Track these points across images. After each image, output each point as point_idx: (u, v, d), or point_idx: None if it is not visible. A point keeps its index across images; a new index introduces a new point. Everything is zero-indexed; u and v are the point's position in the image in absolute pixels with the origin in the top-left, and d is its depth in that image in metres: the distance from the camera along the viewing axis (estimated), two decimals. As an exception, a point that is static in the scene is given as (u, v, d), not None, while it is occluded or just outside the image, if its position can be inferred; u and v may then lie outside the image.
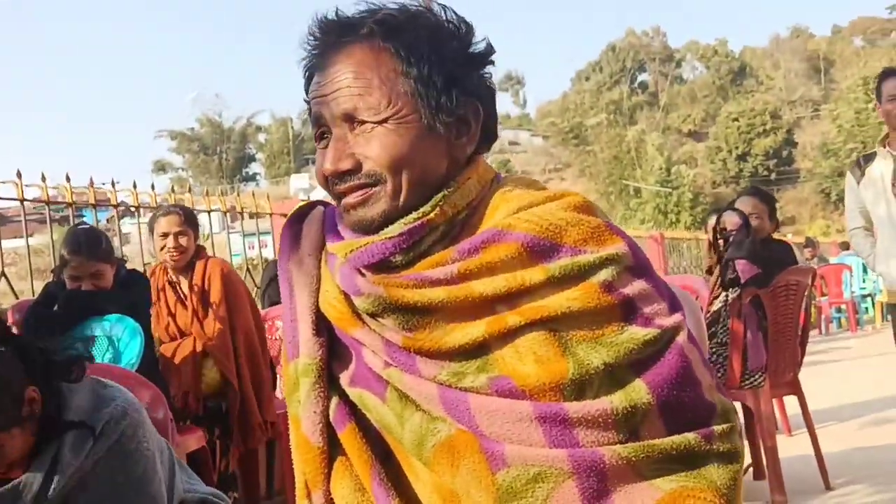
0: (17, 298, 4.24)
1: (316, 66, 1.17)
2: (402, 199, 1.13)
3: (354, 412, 1.17)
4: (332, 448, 1.18)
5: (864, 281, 14.81)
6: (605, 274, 1.08)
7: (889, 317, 4.79)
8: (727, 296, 4.40)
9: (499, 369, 1.07)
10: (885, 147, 4.26)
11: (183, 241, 3.97)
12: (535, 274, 1.08)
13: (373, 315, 1.14)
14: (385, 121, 1.12)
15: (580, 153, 56.61)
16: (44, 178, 4.25)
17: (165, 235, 3.96)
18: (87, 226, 4.09)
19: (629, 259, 1.11)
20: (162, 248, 3.98)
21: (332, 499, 1.18)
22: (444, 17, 1.16)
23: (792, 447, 5.14)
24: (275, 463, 4.48)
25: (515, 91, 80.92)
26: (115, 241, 4.54)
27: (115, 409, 1.96)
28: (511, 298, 1.08)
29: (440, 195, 1.13)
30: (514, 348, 1.07)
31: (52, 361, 1.97)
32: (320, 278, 1.22)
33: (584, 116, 60.92)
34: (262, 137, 69.31)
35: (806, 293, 4.68)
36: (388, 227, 1.13)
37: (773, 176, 50.66)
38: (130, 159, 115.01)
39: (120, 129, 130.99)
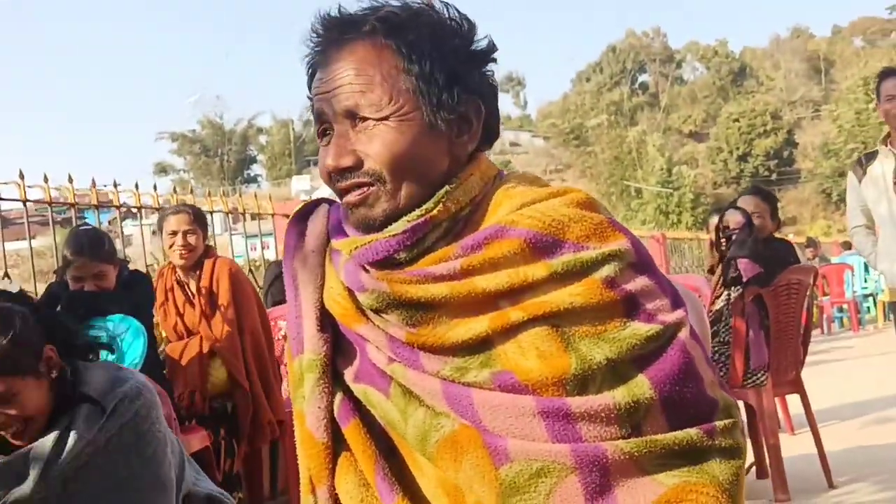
0: (20, 299, 4.26)
1: (318, 62, 1.17)
2: (402, 197, 1.13)
3: (359, 408, 1.18)
4: (337, 444, 1.18)
5: (865, 280, 14.81)
6: (607, 270, 1.08)
7: (891, 316, 4.80)
8: (729, 294, 4.40)
9: (501, 364, 1.08)
10: (886, 146, 4.26)
11: (192, 239, 3.98)
12: (537, 270, 1.08)
13: (377, 311, 1.15)
14: (387, 118, 1.12)
15: (581, 154, 56.63)
16: (46, 179, 4.25)
17: (174, 234, 3.98)
18: (90, 227, 4.10)
19: (632, 255, 1.11)
20: (171, 247, 4.00)
21: (336, 494, 1.19)
22: (447, 15, 1.16)
23: (795, 446, 5.13)
24: (278, 463, 4.49)
25: (516, 92, 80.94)
26: (118, 243, 4.54)
27: (131, 389, 2.00)
28: (514, 294, 1.09)
29: (443, 191, 1.14)
30: (516, 344, 1.07)
31: (73, 337, 2.05)
32: (325, 275, 1.22)
33: (584, 117, 60.92)
34: (263, 139, 69.38)
35: (808, 292, 4.68)
36: (390, 224, 1.14)
37: (773, 176, 50.64)
38: (131, 161, 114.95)
39: (120, 131, 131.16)
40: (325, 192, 1.28)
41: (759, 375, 4.38)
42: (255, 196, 6.48)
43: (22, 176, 4.10)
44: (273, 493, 4.48)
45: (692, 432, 1.06)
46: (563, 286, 1.08)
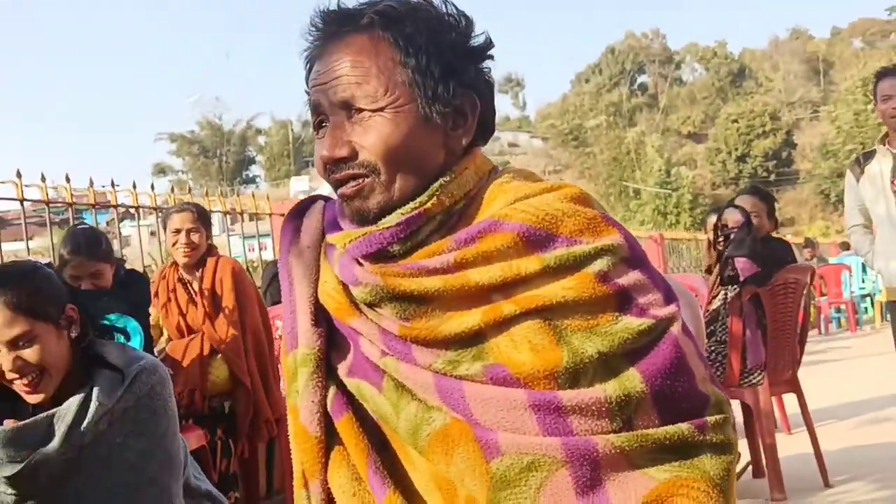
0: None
1: (316, 55, 1.18)
2: (396, 189, 1.14)
3: (352, 402, 1.18)
4: (330, 438, 1.19)
5: (863, 281, 14.83)
6: (600, 264, 1.09)
7: (888, 316, 4.80)
8: (726, 293, 4.40)
9: (494, 357, 1.08)
10: (884, 145, 4.27)
11: (195, 237, 4.01)
12: (530, 263, 1.08)
13: (370, 305, 1.15)
14: (382, 109, 1.13)
15: (580, 155, 56.61)
16: (43, 179, 4.25)
17: (178, 232, 4.01)
18: (87, 226, 4.10)
19: (625, 250, 1.11)
20: (174, 244, 4.03)
21: (328, 488, 1.19)
22: (444, 10, 1.17)
23: (791, 445, 5.14)
24: (275, 462, 4.49)
25: (515, 93, 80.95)
26: (115, 244, 4.54)
27: (148, 363, 2.07)
28: (506, 288, 1.09)
29: (437, 184, 1.14)
30: (509, 337, 1.08)
31: (93, 315, 2.12)
32: (319, 270, 1.23)
33: (583, 118, 60.90)
34: (262, 140, 69.37)
35: (805, 291, 4.68)
36: (385, 217, 1.14)
37: (772, 177, 50.66)
38: (130, 162, 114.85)
39: (120, 132, 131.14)
40: (324, 192, 1.29)
41: (755, 375, 4.38)
42: (253, 196, 6.48)
43: (19, 175, 4.09)
44: (269, 492, 4.49)
45: (683, 427, 1.06)
46: (556, 280, 1.08)
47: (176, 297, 4.05)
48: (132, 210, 5.23)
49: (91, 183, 4.58)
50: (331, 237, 1.22)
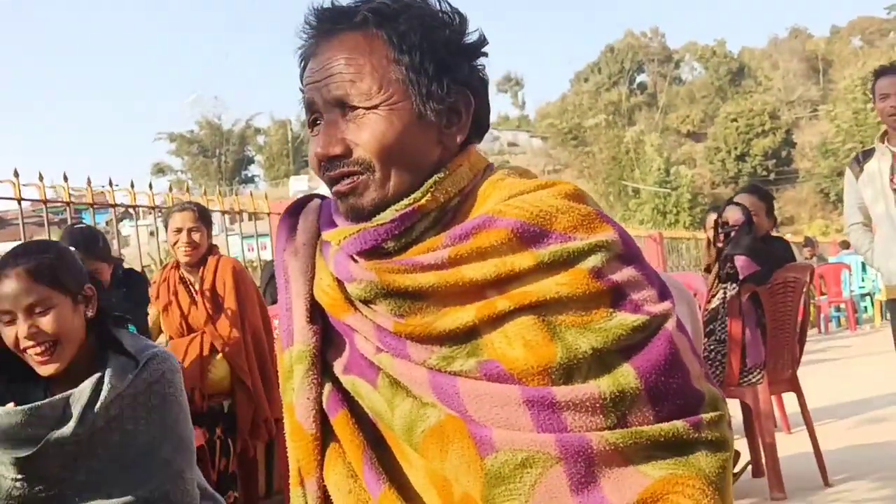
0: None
1: (310, 53, 1.18)
2: (391, 186, 1.14)
3: (347, 399, 1.18)
4: (326, 436, 1.19)
5: (862, 280, 14.84)
6: (594, 260, 1.08)
7: (888, 315, 4.79)
8: (725, 292, 4.39)
9: (488, 353, 1.08)
10: (884, 143, 4.26)
11: (196, 237, 4.03)
12: (524, 259, 1.08)
13: (365, 302, 1.15)
14: (376, 107, 1.13)
15: (579, 154, 56.58)
16: (41, 178, 4.24)
17: (179, 231, 4.02)
18: (84, 225, 4.10)
19: (619, 246, 1.11)
20: (175, 243, 4.05)
21: (324, 486, 1.19)
22: (438, 8, 1.17)
23: (791, 445, 5.14)
24: (273, 462, 4.48)
25: (514, 92, 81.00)
26: (114, 243, 4.54)
27: (160, 351, 2.13)
28: (500, 284, 1.09)
29: (431, 181, 1.14)
30: (503, 333, 1.07)
31: (110, 301, 2.19)
32: (315, 268, 1.23)
33: (582, 117, 60.86)
34: (261, 140, 69.37)
35: (804, 290, 4.68)
36: (379, 213, 1.14)
37: (771, 176, 50.66)
38: (130, 162, 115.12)
39: (119, 132, 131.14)
40: (324, 192, 1.30)
41: (755, 374, 4.37)
42: (252, 195, 6.47)
43: (17, 174, 4.09)
44: (268, 492, 4.49)
45: (678, 424, 1.05)
46: (550, 276, 1.08)
47: (178, 299, 4.07)
48: (131, 210, 5.23)
49: (89, 182, 4.57)
50: (326, 234, 1.22)
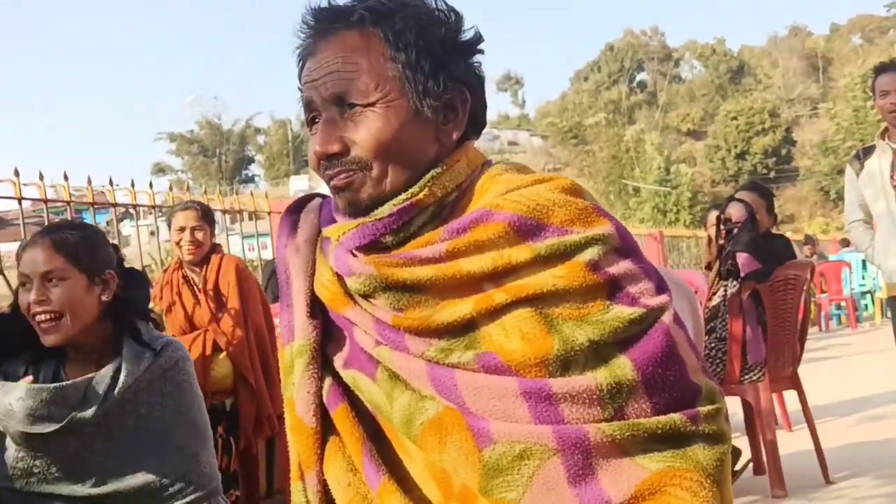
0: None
1: (308, 53, 1.20)
2: (388, 182, 1.15)
3: (347, 393, 1.19)
4: (326, 430, 1.20)
5: (863, 278, 14.83)
6: (590, 253, 1.09)
7: (889, 312, 4.79)
8: (726, 290, 4.39)
9: (485, 346, 1.09)
10: (884, 140, 4.26)
11: (199, 235, 4.06)
12: (521, 252, 1.09)
13: (365, 296, 1.16)
14: (373, 104, 1.14)
15: (579, 153, 56.58)
16: (41, 177, 4.24)
17: (182, 229, 4.06)
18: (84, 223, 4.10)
19: (615, 240, 1.12)
20: (178, 242, 4.07)
21: (324, 479, 1.20)
22: (434, 6, 1.19)
23: (792, 442, 5.14)
24: (275, 461, 4.49)
25: (514, 91, 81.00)
26: (115, 243, 4.53)
27: (172, 340, 2.23)
28: (498, 277, 1.10)
29: (428, 176, 1.16)
30: (500, 325, 1.08)
31: (136, 296, 2.26)
32: (316, 264, 1.24)
33: (582, 116, 60.87)
34: (261, 139, 69.39)
35: (805, 288, 4.68)
36: (377, 208, 1.16)
37: (772, 174, 50.64)
38: (130, 162, 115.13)
39: (119, 132, 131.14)
40: (325, 192, 1.31)
41: (756, 372, 4.37)
42: (252, 194, 6.47)
43: (17, 174, 4.08)
44: (269, 491, 4.49)
45: (676, 417, 1.06)
46: (547, 269, 1.09)
47: (181, 298, 4.09)
48: (131, 210, 5.22)
49: (90, 182, 4.57)
50: (326, 230, 1.23)
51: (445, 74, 1.16)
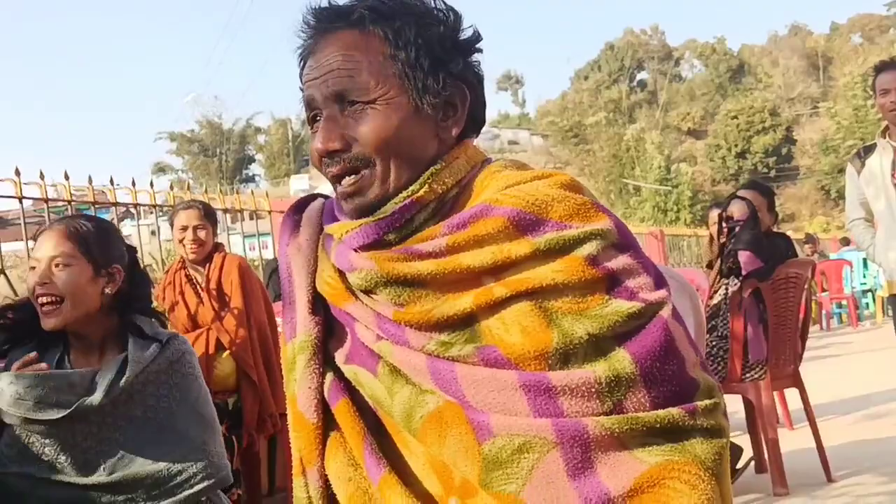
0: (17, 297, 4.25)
1: (309, 52, 1.21)
2: (391, 180, 1.17)
3: (348, 388, 1.20)
4: (328, 425, 1.21)
5: (864, 276, 14.84)
6: (589, 248, 1.10)
7: (890, 311, 4.79)
8: (727, 288, 4.39)
9: (485, 339, 1.10)
10: (885, 139, 4.26)
11: (201, 234, 4.09)
12: (520, 247, 1.10)
13: (366, 291, 1.17)
14: (374, 101, 1.16)
15: (580, 152, 56.57)
16: (42, 176, 4.24)
17: (185, 229, 4.08)
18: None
19: (614, 235, 1.13)
20: (181, 241, 4.10)
21: (325, 475, 1.21)
22: (433, 5, 1.21)
23: (794, 440, 5.15)
24: (276, 459, 4.49)
25: (515, 91, 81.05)
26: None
27: (178, 335, 2.29)
28: (497, 271, 1.11)
29: (428, 172, 1.17)
30: (500, 319, 1.09)
31: (143, 294, 2.33)
32: (317, 261, 1.25)
33: (583, 115, 60.87)
34: (261, 139, 69.41)
35: (806, 286, 4.68)
36: (382, 208, 1.17)
37: (772, 173, 50.62)
38: (130, 162, 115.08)
39: (119, 132, 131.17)
40: (325, 191, 1.32)
41: (757, 370, 4.37)
42: (252, 193, 6.47)
43: (18, 173, 4.08)
44: (271, 489, 4.49)
45: (674, 411, 1.06)
46: (546, 263, 1.10)
47: (184, 298, 4.11)
48: (132, 210, 5.22)
49: (90, 181, 4.57)
50: (328, 228, 1.24)
51: (445, 72, 1.18)
